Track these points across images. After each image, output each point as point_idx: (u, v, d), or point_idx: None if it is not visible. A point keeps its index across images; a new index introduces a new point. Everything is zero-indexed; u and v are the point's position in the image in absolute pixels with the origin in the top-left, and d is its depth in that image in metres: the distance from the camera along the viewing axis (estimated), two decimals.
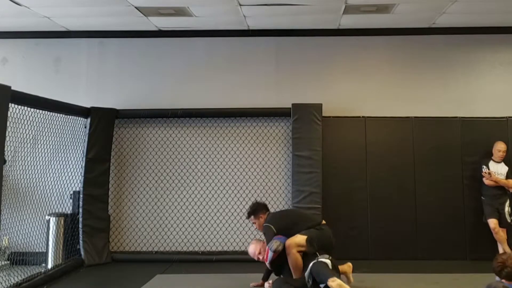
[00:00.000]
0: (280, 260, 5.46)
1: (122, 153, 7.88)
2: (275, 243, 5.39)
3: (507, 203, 7.12)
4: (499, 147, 7.21)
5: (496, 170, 7.16)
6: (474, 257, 7.29)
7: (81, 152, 7.40)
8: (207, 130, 7.92)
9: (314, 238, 5.44)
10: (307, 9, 6.94)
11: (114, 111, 7.71)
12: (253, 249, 5.73)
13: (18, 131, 5.99)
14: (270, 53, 8.00)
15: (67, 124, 7.16)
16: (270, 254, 5.40)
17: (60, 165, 7.21)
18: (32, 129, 6.29)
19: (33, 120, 6.23)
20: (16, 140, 6.04)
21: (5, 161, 5.44)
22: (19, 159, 6.64)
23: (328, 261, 5.26)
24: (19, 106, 5.80)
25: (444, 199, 7.53)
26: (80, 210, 7.25)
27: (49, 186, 6.91)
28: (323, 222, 5.83)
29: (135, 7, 6.87)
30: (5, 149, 5.36)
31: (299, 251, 5.38)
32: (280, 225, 5.62)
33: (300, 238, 5.41)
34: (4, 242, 6.98)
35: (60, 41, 8.06)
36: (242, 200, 7.77)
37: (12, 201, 6.99)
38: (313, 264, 5.20)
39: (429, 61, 7.91)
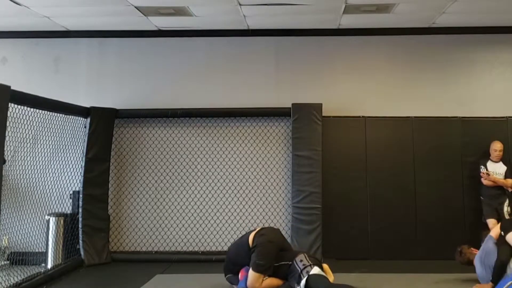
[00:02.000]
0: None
1: (122, 153, 7.88)
2: None
3: (506, 203, 7.12)
4: (495, 147, 7.21)
5: (494, 169, 7.17)
6: None
7: (81, 152, 7.40)
8: (207, 130, 7.91)
9: (259, 262, 5.31)
10: (307, 9, 6.93)
11: (114, 111, 7.70)
12: None
13: (18, 131, 5.98)
14: (270, 53, 8.00)
15: (67, 124, 7.16)
16: None
17: (60, 165, 7.21)
18: (32, 129, 6.28)
19: (33, 120, 6.22)
20: (16, 140, 6.03)
21: (4, 161, 5.43)
22: (19, 159, 6.63)
23: (318, 269, 5.17)
24: (19, 106, 5.80)
25: (444, 199, 7.53)
26: (80, 210, 7.25)
27: (48, 186, 6.91)
28: (252, 235, 5.55)
29: (135, 7, 6.87)
30: (5, 149, 5.36)
31: (262, 281, 5.31)
32: (230, 272, 5.74)
33: (250, 274, 5.32)
34: (3, 242, 6.98)
35: (60, 41, 8.05)
36: (242, 200, 7.77)
37: (12, 201, 6.99)
38: (309, 280, 5.08)
39: (429, 61, 7.91)
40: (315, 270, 5.14)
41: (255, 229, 5.71)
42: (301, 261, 5.27)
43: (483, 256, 5.57)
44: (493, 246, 5.52)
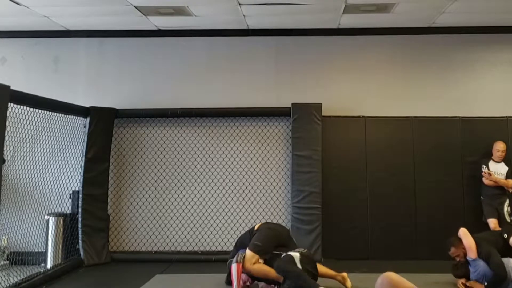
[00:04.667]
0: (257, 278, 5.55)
1: (122, 152, 7.87)
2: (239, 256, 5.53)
3: (506, 203, 7.12)
4: (498, 147, 7.20)
5: (496, 170, 7.16)
6: None
7: (81, 151, 7.39)
8: (207, 130, 7.91)
9: (256, 243, 5.50)
10: (307, 9, 6.93)
11: (113, 111, 7.69)
12: None
13: (17, 130, 5.98)
14: (269, 52, 7.99)
15: (66, 124, 7.15)
16: (234, 267, 5.44)
17: (59, 165, 7.20)
18: (31, 128, 6.27)
19: (32, 119, 6.21)
20: (15, 140, 6.02)
21: (4, 161, 5.42)
22: (18, 158, 6.62)
23: (295, 254, 5.31)
24: (18, 106, 5.79)
25: (444, 199, 7.53)
26: (79, 210, 7.24)
27: (48, 185, 6.91)
28: (259, 224, 5.96)
29: (135, 7, 6.86)
30: (4, 148, 5.35)
31: (255, 263, 5.42)
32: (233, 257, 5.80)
33: (246, 253, 5.48)
34: (3, 242, 6.97)
35: (59, 41, 8.04)
36: (242, 200, 7.77)
37: (11, 200, 6.97)
38: (277, 261, 5.30)
39: (429, 61, 7.90)
40: (295, 255, 5.30)
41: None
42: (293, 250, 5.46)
43: (482, 278, 5.52)
44: (484, 265, 5.50)
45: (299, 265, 5.25)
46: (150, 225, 7.76)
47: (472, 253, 5.60)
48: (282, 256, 5.35)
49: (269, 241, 5.55)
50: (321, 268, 5.67)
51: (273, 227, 5.88)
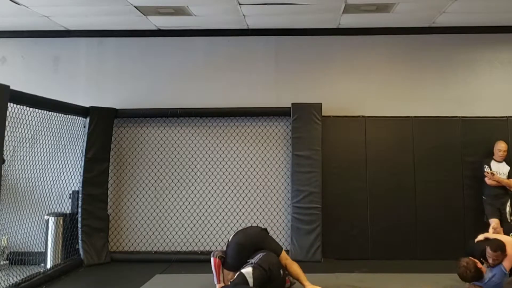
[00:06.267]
0: None
1: (121, 152, 7.86)
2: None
3: (509, 203, 7.12)
4: (500, 147, 7.20)
5: (498, 169, 7.15)
6: None
7: (80, 151, 7.39)
8: (207, 130, 7.90)
9: (228, 261, 5.58)
10: (306, 9, 6.92)
11: (113, 111, 7.69)
12: None
13: (17, 130, 5.97)
14: (269, 52, 7.99)
15: (66, 124, 7.14)
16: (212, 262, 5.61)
17: (59, 165, 7.20)
18: (31, 128, 6.27)
19: (32, 119, 6.21)
20: (15, 140, 6.02)
21: (4, 161, 5.42)
22: (18, 158, 6.62)
23: (247, 270, 5.18)
24: (18, 106, 5.79)
25: (444, 199, 7.52)
26: (79, 210, 7.24)
27: (48, 185, 6.90)
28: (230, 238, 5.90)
29: (135, 6, 6.85)
30: (4, 148, 5.35)
31: (231, 278, 5.42)
32: None
33: (224, 272, 5.61)
34: (3, 242, 6.96)
35: (59, 41, 8.04)
36: (242, 200, 7.76)
37: (11, 200, 6.97)
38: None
39: (429, 61, 7.90)
40: (247, 272, 5.16)
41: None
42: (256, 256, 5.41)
43: None
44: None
45: (251, 282, 5.12)
46: (150, 225, 7.75)
47: (510, 264, 5.31)
48: (235, 276, 5.26)
49: (237, 258, 5.50)
50: (297, 272, 5.57)
51: (238, 242, 5.67)
